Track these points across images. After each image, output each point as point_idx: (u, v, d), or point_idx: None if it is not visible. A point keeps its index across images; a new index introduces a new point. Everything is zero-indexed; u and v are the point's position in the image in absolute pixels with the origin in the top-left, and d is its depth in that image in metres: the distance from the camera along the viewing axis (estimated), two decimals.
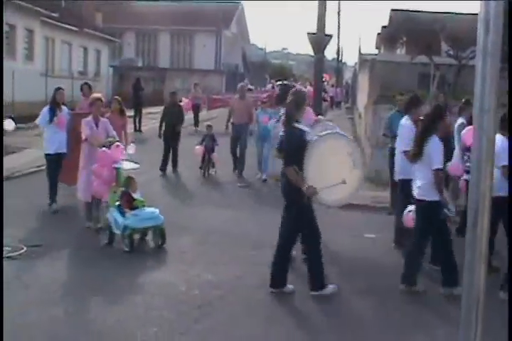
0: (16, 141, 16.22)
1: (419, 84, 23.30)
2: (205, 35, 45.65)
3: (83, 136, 8.60)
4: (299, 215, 6.35)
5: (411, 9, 32.53)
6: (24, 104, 22.81)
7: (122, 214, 7.85)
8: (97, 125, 8.76)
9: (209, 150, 13.34)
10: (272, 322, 5.67)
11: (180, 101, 19.37)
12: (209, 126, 13.83)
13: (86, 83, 12.71)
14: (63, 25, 28.57)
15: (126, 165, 8.22)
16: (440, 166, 6.35)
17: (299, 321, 5.74)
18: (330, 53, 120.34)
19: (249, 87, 28.78)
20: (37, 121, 10.00)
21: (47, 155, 9.94)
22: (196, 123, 23.08)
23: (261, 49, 72.75)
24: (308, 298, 6.30)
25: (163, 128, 13.80)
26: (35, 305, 5.86)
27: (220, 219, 9.53)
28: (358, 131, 22.08)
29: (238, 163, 13.49)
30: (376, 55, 33.06)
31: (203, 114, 24.49)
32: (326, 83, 37.32)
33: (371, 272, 7.30)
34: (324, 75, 29.49)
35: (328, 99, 37.30)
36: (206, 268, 7.16)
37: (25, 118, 21.69)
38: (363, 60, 26.45)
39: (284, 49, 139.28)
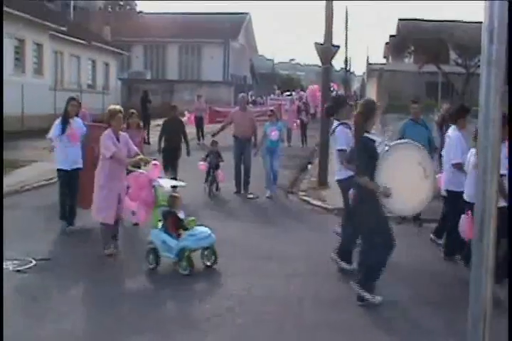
0: (25, 154, 16.28)
1: (427, 93, 23.30)
2: (213, 47, 45.84)
3: (107, 153, 7.70)
4: (371, 223, 6.28)
5: (418, 18, 32.52)
6: (33, 117, 22.95)
7: (171, 235, 7.42)
8: (117, 140, 7.92)
9: (213, 167, 12.72)
10: (281, 334, 5.62)
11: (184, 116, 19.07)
12: (214, 142, 13.01)
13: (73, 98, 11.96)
14: (72, 38, 28.79)
15: (165, 183, 7.76)
16: (504, 172, 6.03)
17: (309, 333, 5.68)
18: (338, 63, 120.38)
19: (253, 98, 28.05)
20: (49, 134, 9.17)
21: (59, 170, 9.16)
22: (202, 135, 22.72)
23: (269, 60, 72.82)
24: (317, 308, 6.25)
25: (163, 144, 12.56)
26: (43, 319, 5.84)
27: (227, 232, 9.44)
28: None
29: (244, 179, 12.84)
30: (384, 64, 33.02)
31: (207, 126, 23.62)
32: (334, 92, 37.33)
33: (383, 283, 7.23)
34: (332, 84, 29.43)
35: None
36: (214, 280, 7.15)
37: (35, 132, 21.91)
38: (371, 69, 26.47)
39: (292, 60, 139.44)
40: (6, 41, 22.31)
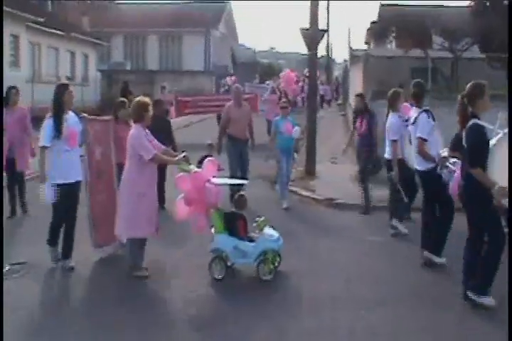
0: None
1: (412, 78, 23.04)
2: (194, 36, 45.18)
3: (147, 155, 6.58)
4: (484, 218, 5.83)
5: (400, 4, 32.31)
6: None
7: (243, 239, 6.79)
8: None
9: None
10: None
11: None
12: (210, 145, 10.47)
13: (14, 87, 9.70)
14: (49, 30, 28.08)
15: (224, 182, 7.18)
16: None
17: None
18: (319, 50, 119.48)
19: (227, 88, 25.71)
20: (41, 141, 6.89)
21: (57, 185, 6.87)
22: None
23: (249, 49, 72.18)
24: (316, 308, 5.90)
25: None
26: (16, 331, 5.40)
27: None
28: (351, 127, 21.67)
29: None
30: (366, 50, 32.72)
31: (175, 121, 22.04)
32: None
33: (382, 280, 6.90)
34: (307, 70, 28.53)
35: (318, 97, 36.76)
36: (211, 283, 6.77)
37: None
38: (354, 55, 26.12)
39: (272, 48, 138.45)
40: None
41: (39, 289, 6.48)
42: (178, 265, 7.31)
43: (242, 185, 9.20)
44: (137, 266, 6.83)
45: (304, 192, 11.73)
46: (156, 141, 6.97)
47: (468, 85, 5.96)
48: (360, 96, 10.55)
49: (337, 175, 13.50)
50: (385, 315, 5.79)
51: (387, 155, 8.69)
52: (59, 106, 6.90)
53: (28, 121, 9.72)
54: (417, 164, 7.31)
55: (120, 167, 7.24)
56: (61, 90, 6.95)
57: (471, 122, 5.76)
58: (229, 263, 6.89)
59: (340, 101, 40.30)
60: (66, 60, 31.56)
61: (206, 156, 9.05)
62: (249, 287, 6.64)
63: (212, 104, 19.92)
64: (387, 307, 5.98)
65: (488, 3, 21.40)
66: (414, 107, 7.55)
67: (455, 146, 6.35)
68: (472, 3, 23.29)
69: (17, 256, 7.41)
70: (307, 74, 17.32)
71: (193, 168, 6.71)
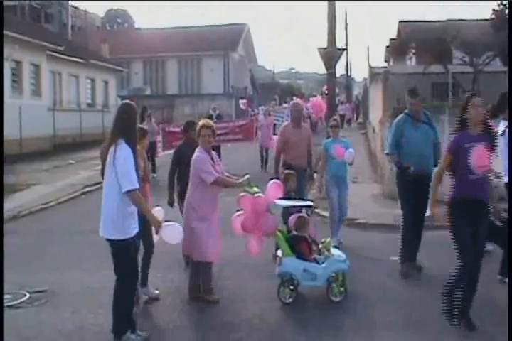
0: (24, 177, 15.77)
1: (432, 94, 22.90)
2: (213, 59, 45.46)
3: (210, 178, 6.39)
4: None
5: (419, 20, 32.23)
6: (32, 139, 22.56)
7: (310, 262, 6.65)
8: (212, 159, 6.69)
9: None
10: None
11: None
12: (290, 175, 8.33)
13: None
14: (69, 58, 28.42)
15: (287, 203, 7.03)
16: None
17: None
18: (338, 69, 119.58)
19: (218, 112, 20.18)
20: (130, 184, 5.06)
21: (132, 242, 5.30)
22: (153, 168, 16.33)
23: (268, 70, 72.54)
24: (343, 335, 5.68)
25: (177, 184, 8.10)
26: None
27: (235, 252, 8.19)
28: (372, 145, 21.51)
29: None
30: (386, 67, 32.64)
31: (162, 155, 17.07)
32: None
33: (406, 303, 6.65)
34: (326, 87, 27.47)
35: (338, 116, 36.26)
36: (223, 306, 6.58)
37: (34, 154, 21.52)
38: (374, 73, 25.98)
39: (291, 69, 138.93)
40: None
41: (60, 318, 6.28)
42: (242, 288, 7.19)
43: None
44: (211, 290, 6.71)
45: (325, 213, 11.48)
46: (221, 165, 6.81)
47: None
48: None
49: (358, 194, 13.24)
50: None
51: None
52: (134, 130, 5.30)
53: None
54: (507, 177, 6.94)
55: None
56: (132, 109, 5.37)
57: None
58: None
59: (360, 120, 40.07)
60: (86, 87, 31.88)
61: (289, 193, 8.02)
62: (317, 309, 6.45)
63: None
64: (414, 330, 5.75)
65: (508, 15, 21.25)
66: (501, 120, 7.22)
67: None
68: (493, 16, 23.09)
69: (38, 283, 7.34)
70: (326, 92, 17.24)
71: (257, 190, 6.61)
